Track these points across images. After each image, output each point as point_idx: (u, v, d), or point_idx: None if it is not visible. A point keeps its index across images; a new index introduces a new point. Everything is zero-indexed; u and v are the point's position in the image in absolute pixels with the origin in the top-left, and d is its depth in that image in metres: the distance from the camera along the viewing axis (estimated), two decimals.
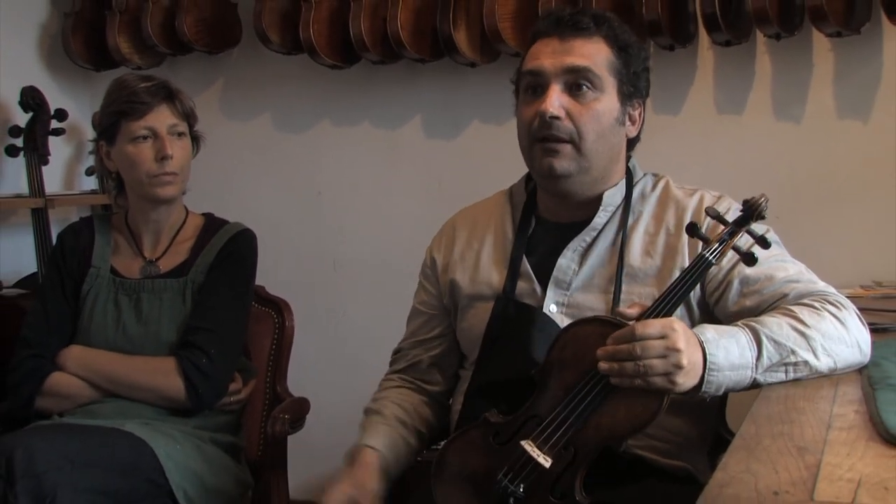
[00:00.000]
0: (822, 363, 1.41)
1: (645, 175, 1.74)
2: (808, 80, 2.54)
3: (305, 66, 2.96)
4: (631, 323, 1.37)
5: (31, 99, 2.91)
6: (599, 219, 1.66)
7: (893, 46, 2.45)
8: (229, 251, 2.15)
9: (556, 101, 1.59)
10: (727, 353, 1.36)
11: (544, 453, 1.41)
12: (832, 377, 1.42)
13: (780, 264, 1.56)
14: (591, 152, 1.62)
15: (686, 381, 1.33)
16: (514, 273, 1.68)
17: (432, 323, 1.82)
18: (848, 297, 2.21)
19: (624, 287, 1.60)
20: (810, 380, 1.41)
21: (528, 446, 1.41)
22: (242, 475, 2.13)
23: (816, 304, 1.46)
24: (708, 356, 1.34)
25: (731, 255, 1.50)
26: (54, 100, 2.99)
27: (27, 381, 2.03)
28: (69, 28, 3.08)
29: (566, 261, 1.65)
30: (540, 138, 1.61)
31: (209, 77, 3.19)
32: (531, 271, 1.68)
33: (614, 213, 1.68)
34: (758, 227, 1.57)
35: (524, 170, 1.76)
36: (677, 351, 1.31)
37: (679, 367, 1.31)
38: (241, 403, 2.19)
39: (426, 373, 1.82)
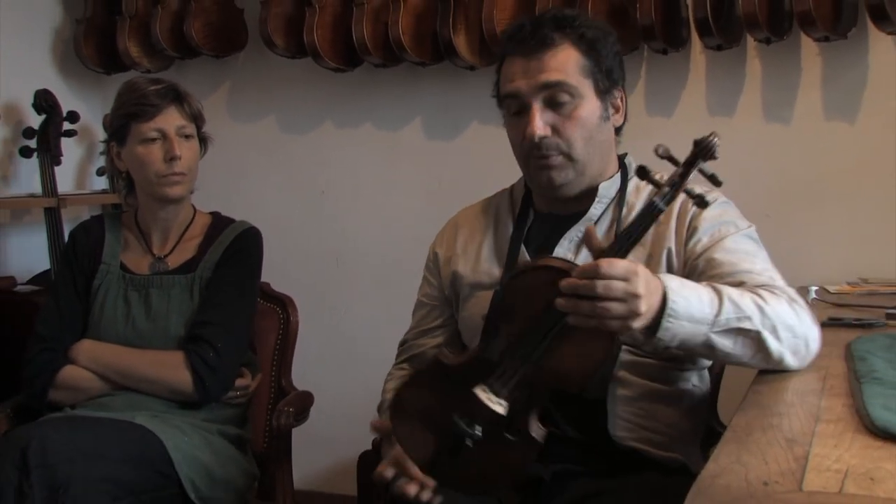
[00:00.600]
0: (771, 344, 1.40)
1: None
2: (797, 83, 2.56)
3: (309, 69, 2.97)
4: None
5: (45, 101, 2.94)
6: (595, 210, 1.68)
7: (879, 51, 2.47)
8: (236, 248, 2.17)
9: (539, 122, 1.61)
10: (688, 303, 1.34)
11: (499, 398, 1.40)
12: (820, 372, 1.43)
13: (748, 257, 1.56)
14: (584, 157, 1.65)
15: (641, 325, 1.32)
16: (511, 263, 1.69)
17: (434, 313, 1.85)
18: (835, 293, 2.25)
19: None
20: (792, 372, 1.42)
21: (482, 392, 1.40)
22: (249, 467, 2.14)
23: (776, 292, 1.46)
24: (669, 303, 1.32)
25: (705, 241, 1.54)
26: (67, 102, 3.01)
27: (41, 374, 2.06)
28: (81, 33, 3.10)
29: (563, 250, 1.66)
30: (534, 156, 1.64)
31: (216, 80, 3.21)
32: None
33: (609, 204, 1.70)
34: (744, 221, 1.60)
35: None
36: (637, 297, 1.29)
37: (636, 313, 1.29)
38: (248, 397, 2.21)
39: None
